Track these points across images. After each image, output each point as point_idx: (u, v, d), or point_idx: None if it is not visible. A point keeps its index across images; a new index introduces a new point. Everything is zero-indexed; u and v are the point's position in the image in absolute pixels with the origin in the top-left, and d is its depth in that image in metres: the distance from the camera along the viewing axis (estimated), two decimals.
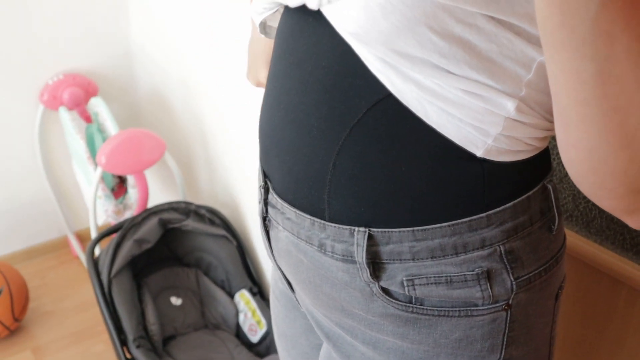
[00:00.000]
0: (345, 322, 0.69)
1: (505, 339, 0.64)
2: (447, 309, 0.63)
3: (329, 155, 0.61)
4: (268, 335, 1.75)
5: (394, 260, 0.62)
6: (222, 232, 1.84)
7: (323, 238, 0.65)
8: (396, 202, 0.60)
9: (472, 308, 0.62)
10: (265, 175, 0.73)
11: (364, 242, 0.62)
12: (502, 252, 0.61)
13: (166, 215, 1.84)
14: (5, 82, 2.13)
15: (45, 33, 2.14)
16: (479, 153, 0.57)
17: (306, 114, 0.63)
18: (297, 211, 0.66)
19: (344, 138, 0.60)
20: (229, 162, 1.92)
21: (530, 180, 0.62)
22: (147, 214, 1.82)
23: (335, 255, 0.64)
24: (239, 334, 1.84)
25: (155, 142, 1.90)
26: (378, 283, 0.63)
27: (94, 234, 1.94)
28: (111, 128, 2.03)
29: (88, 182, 2.02)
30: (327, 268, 0.66)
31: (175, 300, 1.89)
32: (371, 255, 0.62)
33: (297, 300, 0.78)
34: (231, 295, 1.87)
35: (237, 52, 1.66)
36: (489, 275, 0.61)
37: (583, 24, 0.42)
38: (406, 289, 0.62)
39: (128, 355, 1.66)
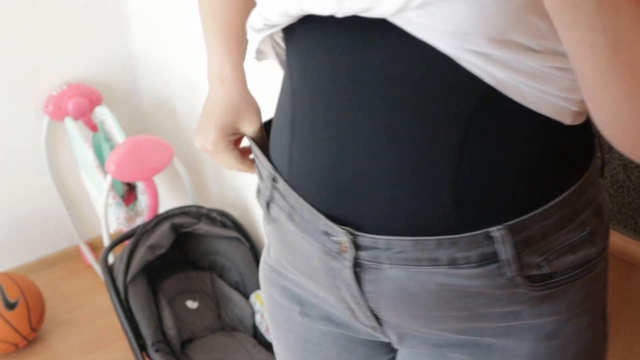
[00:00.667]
0: (472, 327, 0.69)
1: (605, 286, 0.70)
2: (573, 274, 0.65)
3: (447, 166, 0.59)
4: None
5: (528, 245, 0.62)
6: (235, 234, 1.86)
7: (453, 253, 0.61)
8: (521, 190, 0.61)
9: (589, 265, 0.66)
10: (343, 224, 0.64)
11: (507, 239, 0.61)
12: (597, 205, 0.65)
13: (178, 220, 1.85)
14: (9, 94, 2.14)
15: (46, 44, 2.15)
16: (567, 121, 0.60)
17: (405, 131, 0.59)
18: (415, 238, 0.61)
19: (457, 144, 0.59)
20: None
21: (592, 136, 0.66)
22: (159, 219, 1.84)
23: (470, 265, 0.62)
24: (256, 335, 1.86)
25: (163, 148, 1.91)
26: (521, 273, 0.63)
27: (106, 242, 1.95)
28: (118, 136, 2.05)
29: (98, 190, 2.03)
30: (457, 282, 0.63)
31: (191, 304, 1.91)
32: (513, 247, 0.62)
33: (383, 334, 0.74)
34: (247, 297, 1.88)
35: None
36: (595, 231, 0.65)
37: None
38: (542, 268, 0.63)
39: None
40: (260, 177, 0.75)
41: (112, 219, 2.01)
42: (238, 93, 0.81)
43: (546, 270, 0.63)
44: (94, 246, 2.46)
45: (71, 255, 2.46)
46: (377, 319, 0.71)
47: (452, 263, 0.62)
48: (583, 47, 0.46)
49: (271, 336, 0.89)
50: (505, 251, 0.61)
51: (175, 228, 1.85)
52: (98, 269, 2.33)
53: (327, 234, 0.65)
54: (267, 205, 0.74)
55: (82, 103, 2.17)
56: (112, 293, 1.71)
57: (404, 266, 0.63)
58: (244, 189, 1.94)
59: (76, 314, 2.22)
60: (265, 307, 0.86)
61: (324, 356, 0.81)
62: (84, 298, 2.29)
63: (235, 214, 1.98)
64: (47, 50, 2.16)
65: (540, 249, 0.62)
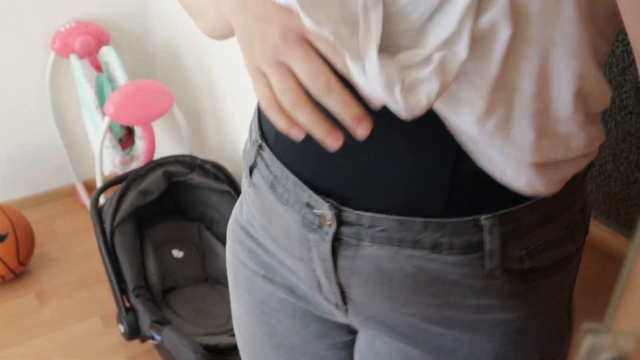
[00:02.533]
0: (442, 315, 0.65)
1: (575, 278, 0.69)
2: (553, 268, 0.64)
3: (448, 152, 0.56)
4: None
5: (514, 238, 0.59)
6: (227, 187, 1.85)
7: (438, 237, 0.59)
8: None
9: (566, 260, 0.65)
10: (326, 194, 0.62)
11: (495, 229, 0.58)
12: (583, 203, 0.64)
13: (171, 168, 1.84)
14: (17, 27, 2.13)
15: None
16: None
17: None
18: (402, 217, 0.59)
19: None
20: (237, 117, 1.92)
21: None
22: (152, 165, 1.83)
23: (453, 251, 0.60)
24: None
25: (163, 94, 1.89)
26: (502, 265, 0.60)
27: (99, 183, 1.95)
28: (121, 78, 2.03)
29: (96, 131, 2.02)
30: (437, 268, 0.61)
31: (177, 253, 1.91)
32: (499, 237, 0.59)
33: (345, 314, 0.71)
34: None
35: None
36: (578, 228, 0.64)
37: None
38: (524, 263, 0.61)
39: (127, 304, 1.69)
40: (249, 137, 0.72)
41: (107, 161, 2.00)
42: None
43: (527, 265, 0.61)
44: (90, 187, 2.47)
45: (67, 194, 2.47)
46: (343, 296, 0.69)
47: (434, 247, 0.59)
48: None
49: (230, 292, 0.87)
50: (491, 241, 0.59)
51: (168, 176, 1.84)
52: None
53: (309, 206, 0.63)
54: (250, 170, 0.71)
55: (89, 42, 2.15)
56: (98, 235, 1.71)
57: (384, 245, 0.61)
58: (240, 143, 1.92)
59: (66, 253, 2.24)
60: (228, 263, 0.85)
61: (278, 322, 0.80)
62: (75, 237, 2.30)
63: (230, 167, 1.96)
64: None
65: (525, 242, 0.60)
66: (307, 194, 0.63)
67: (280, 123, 0.51)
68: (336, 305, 0.71)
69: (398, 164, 0.58)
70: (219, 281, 1.89)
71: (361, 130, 0.49)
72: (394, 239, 0.60)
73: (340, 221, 0.62)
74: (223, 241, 1.91)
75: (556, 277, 0.65)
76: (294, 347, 0.81)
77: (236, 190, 1.86)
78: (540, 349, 0.68)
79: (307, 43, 0.49)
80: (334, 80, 0.48)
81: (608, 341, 0.32)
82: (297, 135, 0.52)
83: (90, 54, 2.17)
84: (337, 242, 0.63)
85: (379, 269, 0.63)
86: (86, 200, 2.41)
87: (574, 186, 0.61)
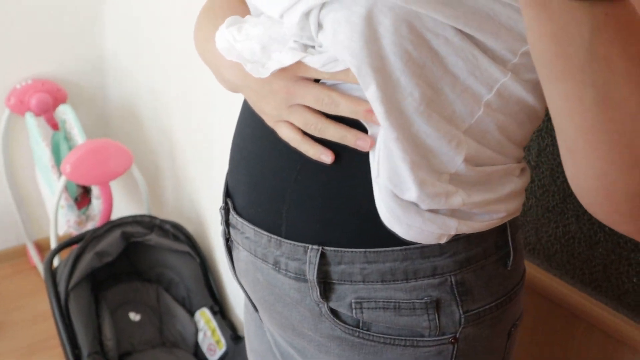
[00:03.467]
0: (297, 342, 0.69)
1: None
2: (393, 337, 0.62)
3: (291, 170, 0.62)
4: (227, 356, 1.73)
5: (344, 281, 0.62)
6: (186, 248, 1.82)
7: (278, 255, 0.65)
8: (350, 222, 0.60)
9: (418, 338, 0.62)
10: (227, 195, 0.73)
11: (316, 260, 0.62)
12: (453, 282, 0.61)
13: (129, 229, 1.81)
14: None
15: (16, 36, 2.11)
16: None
17: (271, 148, 0.64)
18: (256, 228, 0.66)
19: (299, 168, 0.62)
20: (196, 177, 1.90)
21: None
22: (110, 226, 1.79)
23: (288, 274, 0.64)
24: (197, 353, 1.81)
25: (122, 154, 1.87)
26: (327, 303, 0.63)
27: (53, 244, 1.89)
28: (78, 137, 2.00)
29: (51, 190, 1.98)
30: (280, 286, 0.66)
31: (134, 316, 1.86)
32: (322, 274, 0.62)
33: (260, 319, 0.78)
34: (191, 313, 1.84)
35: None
36: (437, 305, 0.61)
37: (579, 51, 0.41)
38: (354, 311, 0.62)
39: None
40: None
41: (62, 221, 1.95)
42: None
43: (358, 315, 0.62)
44: (42, 247, 2.39)
45: (17, 254, 2.39)
46: (251, 301, 0.76)
47: (275, 264, 0.65)
48: (571, 103, 0.44)
49: None
50: (309, 272, 0.62)
51: (126, 237, 1.80)
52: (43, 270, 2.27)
53: (221, 203, 0.74)
54: None
55: (45, 99, 2.13)
56: (52, 298, 1.65)
57: (248, 252, 0.69)
58: (200, 203, 1.91)
59: (13, 316, 2.14)
60: None
61: (249, 326, 0.85)
62: (25, 300, 2.21)
63: (190, 227, 1.94)
64: (17, 42, 2.12)
65: (359, 291, 0.61)
66: (224, 190, 0.74)
67: (311, 151, 0.60)
68: (254, 310, 0.77)
69: (265, 180, 0.65)
70: (177, 345, 1.83)
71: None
72: (252, 248, 0.68)
73: (227, 222, 0.72)
74: (182, 304, 1.87)
75: (405, 352, 0.62)
76: (258, 354, 0.84)
77: (196, 251, 1.83)
78: None
79: (300, 80, 0.59)
80: (335, 94, 0.57)
81: None
82: (326, 159, 0.59)
83: (47, 112, 2.14)
84: (230, 242, 0.73)
85: (248, 273, 0.71)
86: (37, 261, 2.33)
87: (429, 254, 0.60)
